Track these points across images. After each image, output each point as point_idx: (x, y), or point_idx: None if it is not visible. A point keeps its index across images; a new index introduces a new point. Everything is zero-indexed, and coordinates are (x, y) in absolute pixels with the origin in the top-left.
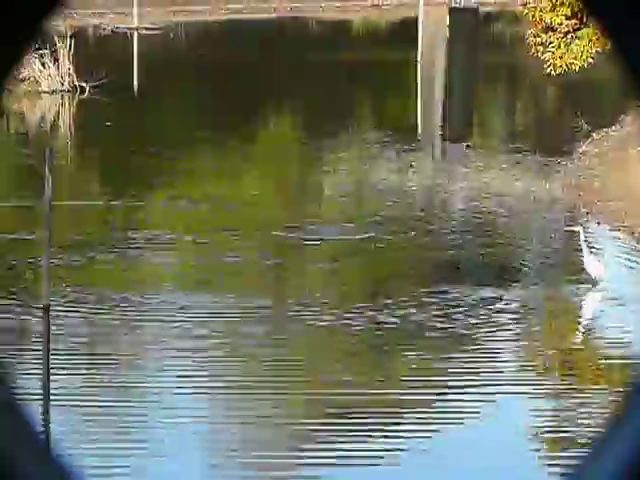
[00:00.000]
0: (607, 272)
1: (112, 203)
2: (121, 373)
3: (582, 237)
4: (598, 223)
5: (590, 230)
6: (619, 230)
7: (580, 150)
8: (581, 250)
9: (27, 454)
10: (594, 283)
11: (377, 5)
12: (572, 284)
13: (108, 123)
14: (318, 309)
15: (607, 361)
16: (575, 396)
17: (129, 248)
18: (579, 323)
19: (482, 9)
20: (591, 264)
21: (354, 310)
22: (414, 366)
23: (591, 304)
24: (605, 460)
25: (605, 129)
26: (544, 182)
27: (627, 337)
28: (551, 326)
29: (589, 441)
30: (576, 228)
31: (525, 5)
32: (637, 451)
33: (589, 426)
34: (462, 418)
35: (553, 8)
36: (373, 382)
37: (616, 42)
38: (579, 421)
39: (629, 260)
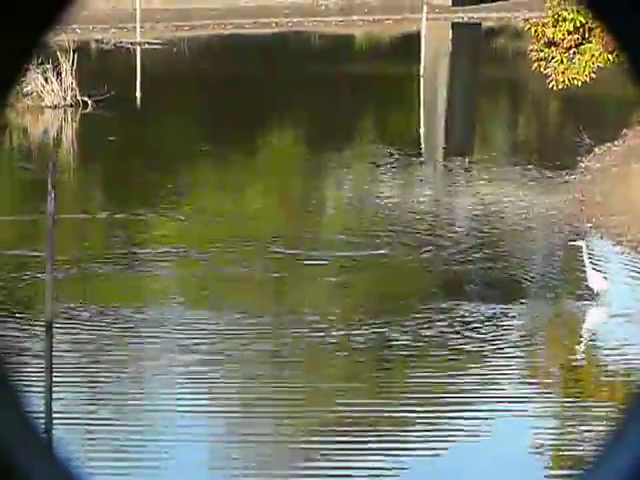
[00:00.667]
0: (610, 287)
1: (116, 217)
2: (121, 391)
3: (585, 251)
4: (601, 237)
5: (593, 244)
6: (622, 244)
7: (582, 164)
8: (584, 265)
9: (30, 454)
10: (597, 297)
11: (379, 20)
12: (575, 299)
13: (111, 138)
14: (322, 326)
15: (611, 378)
16: (579, 413)
17: (131, 262)
18: (583, 339)
19: (484, 24)
20: (594, 278)
21: (357, 327)
22: (417, 384)
23: (594, 319)
24: (605, 472)
25: (607, 144)
26: (546, 196)
27: (631, 352)
28: (555, 342)
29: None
30: (579, 243)
31: (527, 20)
32: (637, 461)
33: (593, 444)
34: (464, 436)
35: (555, 23)
36: (376, 399)
37: (620, 39)
38: (584, 439)
39: (632, 274)
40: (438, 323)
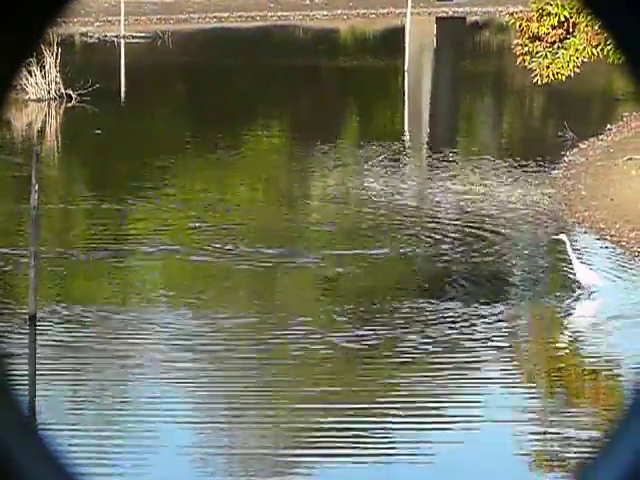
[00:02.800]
0: (599, 281)
1: (106, 209)
2: (105, 392)
3: (568, 246)
4: (585, 232)
5: (577, 239)
6: (606, 239)
7: (567, 159)
8: (568, 260)
9: (28, 453)
10: (588, 292)
11: (364, 13)
12: (560, 295)
13: (98, 131)
14: (306, 326)
15: (599, 379)
16: (567, 417)
17: (113, 258)
18: (569, 336)
19: (469, 18)
20: (582, 273)
21: (340, 327)
22: (400, 388)
23: (581, 316)
24: (606, 466)
25: (592, 138)
26: (531, 191)
27: (617, 348)
28: (541, 340)
29: (582, 462)
30: (561, 236)
31: (512, 14)
32: (638, 455)
33: (581, 448)
34: (447, 441)
35: (539, 18)
36: (357, 402)
37: (616, 38)
38: (571, 443)
39: (616, 269)
40: (421, 323)
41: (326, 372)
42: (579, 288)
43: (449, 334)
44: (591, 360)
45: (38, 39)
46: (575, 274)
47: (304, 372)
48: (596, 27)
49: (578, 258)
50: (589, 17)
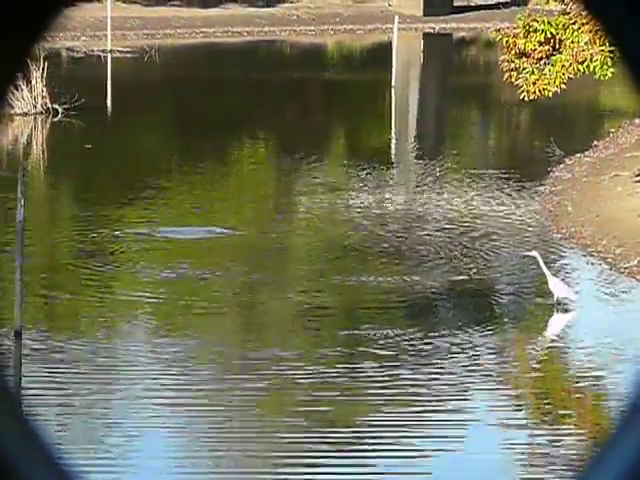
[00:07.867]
0: (574, 294)
1: (85, 232)
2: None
3: (541, 262)
4: (571, 248)
5: (563, 255)
6: (592, 255)
7: (553, 175)
8: (543, 274)
9: (29, 458)
10: (562, 305)
11: (351, 29)
12: (543, 310)
13: (88, 146)
14: (286, 352)
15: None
16: (548, 430)
17: (97, 280)
18: (551, 351)
19: (456, 34)
20: (556, 286)
21: (321, 353)
22: (385, 407)
23: (563, 330)
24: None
25: (578, 154)
26: (517, 207)
27: (600, 365)
28: (524, 357)
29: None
30: (533, 253)
31: (498, 31)
32: (629, 470)
33: (563, 460)
34: (432, 458)
35: (526, 34)
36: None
37: (616, 39)
38: (553, 455)
39: (602, 285)
40: (403, 345)
41: (308, 397)
42: (555, 301)
43: (434, 354)
44: (568, 372)
45: (26, 53)
46: (549, 287)
47: (288, 395)
48: (596, 27)
49: (552, 274)
50: (589, 18)
